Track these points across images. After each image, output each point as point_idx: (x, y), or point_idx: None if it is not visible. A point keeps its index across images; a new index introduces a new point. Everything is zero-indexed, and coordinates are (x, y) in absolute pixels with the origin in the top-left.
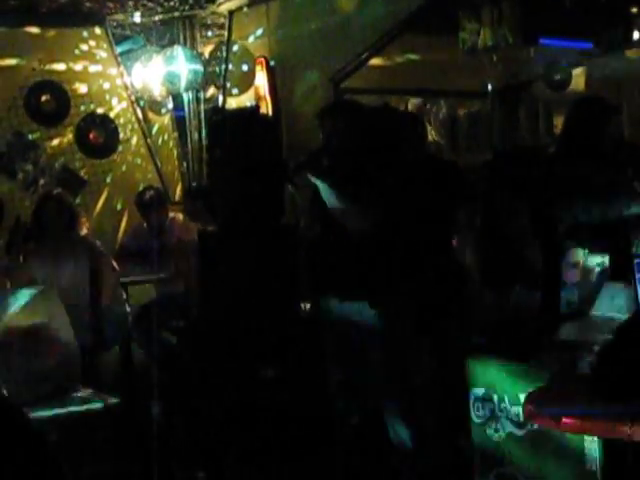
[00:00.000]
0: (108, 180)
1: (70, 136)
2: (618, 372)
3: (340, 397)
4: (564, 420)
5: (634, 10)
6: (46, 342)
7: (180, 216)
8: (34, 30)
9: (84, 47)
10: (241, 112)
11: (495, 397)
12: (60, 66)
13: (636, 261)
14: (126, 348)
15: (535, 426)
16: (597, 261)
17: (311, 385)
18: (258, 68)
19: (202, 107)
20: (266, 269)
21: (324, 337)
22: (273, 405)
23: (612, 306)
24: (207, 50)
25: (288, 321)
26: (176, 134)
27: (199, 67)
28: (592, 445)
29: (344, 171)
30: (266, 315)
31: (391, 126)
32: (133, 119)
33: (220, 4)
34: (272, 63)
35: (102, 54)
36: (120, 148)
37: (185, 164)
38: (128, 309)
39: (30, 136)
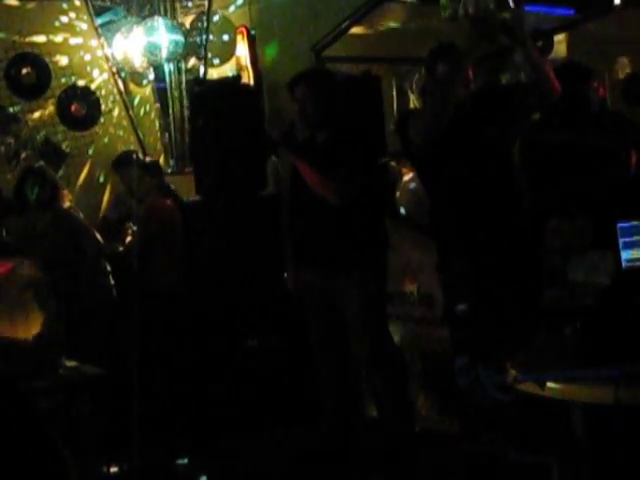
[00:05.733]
0: (90, 152)
1: (51, 108)
2: (602, 337)
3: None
4: (549, 385)
5: None
6: (29, 314)
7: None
8: (13, 2)
9: (64, 19)
10: (223, 82)
11: (480, 364)
12: (40, 38)
13: (618, 226)
14: (109, 320)
15: (521, 391)
16: (579, 227)
17: (293, 354)
18: (239, 38)
19: (183, 78)
20: (248, 239)
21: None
22: (257, 373)
23: (595, 272)
24: (188, 20)
25: (270, 291)
26: (158, 105)
27: (180, 38)
28: (577, 410)
29: (317, 142)
30: (249, 285)
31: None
32: (114, 91)
33: None
34: (253, 32)
35: (82, 26)
36: (102, 120)
37: (167, 135)
38: (112, 281)
39: (11, 109)
